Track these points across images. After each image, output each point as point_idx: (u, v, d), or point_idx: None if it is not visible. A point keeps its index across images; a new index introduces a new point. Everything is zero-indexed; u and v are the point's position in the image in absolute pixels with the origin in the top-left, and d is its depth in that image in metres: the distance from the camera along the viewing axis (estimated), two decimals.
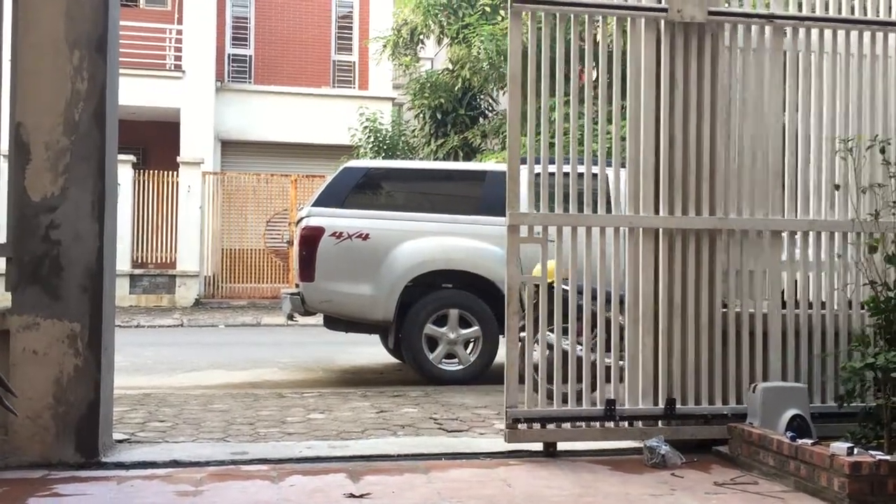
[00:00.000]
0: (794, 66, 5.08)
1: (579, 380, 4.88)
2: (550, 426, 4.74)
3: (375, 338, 8.53)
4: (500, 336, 7.64)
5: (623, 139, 5.00)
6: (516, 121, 4.75)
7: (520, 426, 4.70)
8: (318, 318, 8.23)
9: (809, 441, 4.13)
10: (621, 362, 4.85)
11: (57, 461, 4.36)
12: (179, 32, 18.84)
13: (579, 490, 4.07)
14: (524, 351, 6.61)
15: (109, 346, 4.65)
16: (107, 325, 4.57)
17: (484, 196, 7.91)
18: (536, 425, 4.73)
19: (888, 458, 3.80)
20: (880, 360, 4.27)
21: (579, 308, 6.51)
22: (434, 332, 7.53)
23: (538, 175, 4.83)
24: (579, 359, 4.87)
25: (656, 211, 4.86)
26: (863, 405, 4.62)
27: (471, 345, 7.67)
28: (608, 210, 5.00)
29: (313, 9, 21.00)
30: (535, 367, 6.61)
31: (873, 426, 4.46)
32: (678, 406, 4.81)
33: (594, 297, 4.86)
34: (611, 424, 4.77)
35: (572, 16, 4.87)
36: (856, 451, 3.83)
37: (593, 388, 4.85)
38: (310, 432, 5.33)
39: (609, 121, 4.92)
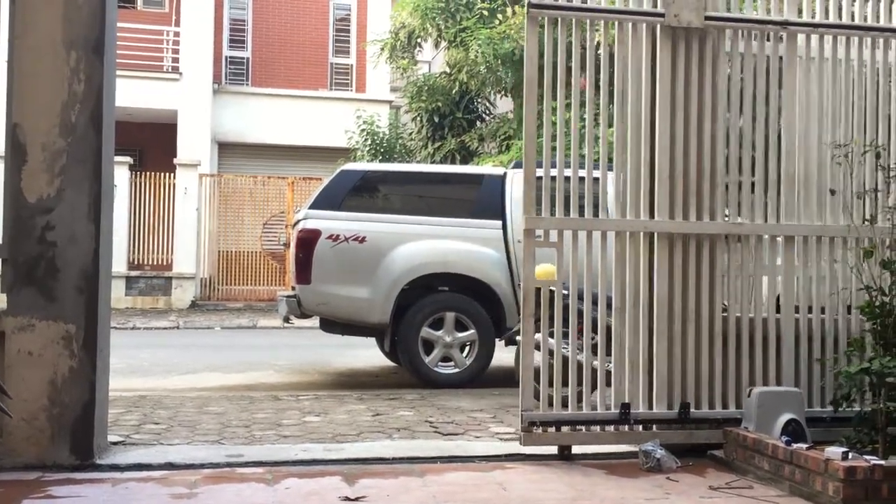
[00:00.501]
0: (791, 71, 5.10)
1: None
2: (565, 429, 4.75)
3: (371, 341, 8.53)
4: (496, 339, 7.66)
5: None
6: (533, 125, 4.76)
7: (535, 429, 4.71)
8: (315, 321, 8.22)
9: (804, 445, 4.13)
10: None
11: (52, 463, 4.35)
12: (177, 34, 18.84)
13: (574, 494, 4.06)
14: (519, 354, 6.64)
15: (105, 347, 4.65)
16: (102, 327, 4.56)
17: (480, 199, 7.92)
18: (551, 428, 4.74)
19: (883, 462, 3.80)
20: (875, 365, 4.28)
21: (576, 310, 6.53)
22: (430, 336, 7.53)
23: (549, 178, 4.83)
24: (584, 362, 4.87)
25: (671, 216, 4.87)
26: (858, 410, 4.63)
27: (467, 348, 7.67)
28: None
29: (311, 11, 21.02)
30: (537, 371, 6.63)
31: (868, 431, 4.47)
32: (692, 410, 4.82)
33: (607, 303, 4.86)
34: (625, 428, 4.78)
35: (589, 21, 4.85)
36: (850, 455, 3.84)
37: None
38: (305, 435, 5.33)
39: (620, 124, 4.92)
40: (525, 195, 4.75)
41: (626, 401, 4.78)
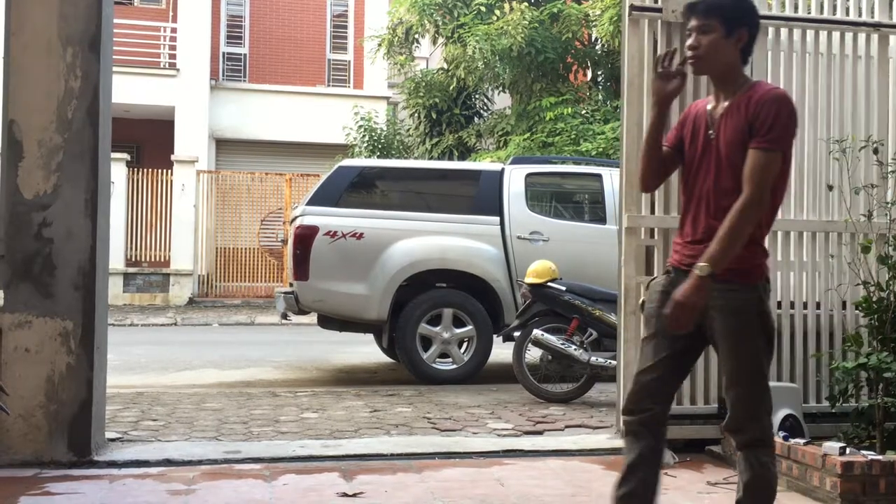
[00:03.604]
0: (787, 67, 5.10)
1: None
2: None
3: (369, 337, 8.53)
4: (494, 335, 7.66)
5: None
6: (634, 125, 4.81)
7: None
8: (313, 318, 8.22)
9: (802, 441, 4.14)
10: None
11: (49, 460, 4.34)
12: (174, 30, 18.80)
13: (572, 490, 4.06)
14: (521, 351, 6.64)
15: (102, 344, 4.64)
16: (99, 324, 4.56)
17: (478, 195, 7.91)
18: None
19: (880, 457, 3.81)
20: (872, 361, 4.28)
21: (573, 306, 6.54)
22: (428, 332, 7.52)
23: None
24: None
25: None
26: (855, 405, 4.63)
27: (465, 344, 7.66)
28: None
29: (308, 7, 20.98)
30: (531, 367, 6.63)
31: (865, 426, 4.47)
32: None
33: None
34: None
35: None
36: (848, 450, 3.84)
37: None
38: (303, 431, 5.33)
39: None
40: (626, 194, 4.79)
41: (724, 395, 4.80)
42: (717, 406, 4.81)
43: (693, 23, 2.82)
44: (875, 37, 5.17)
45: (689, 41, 2.83)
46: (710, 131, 2.83)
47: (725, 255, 2.68)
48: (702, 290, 2.67)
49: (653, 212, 4.83)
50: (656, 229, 4.84)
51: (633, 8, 4.82)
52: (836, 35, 5.14)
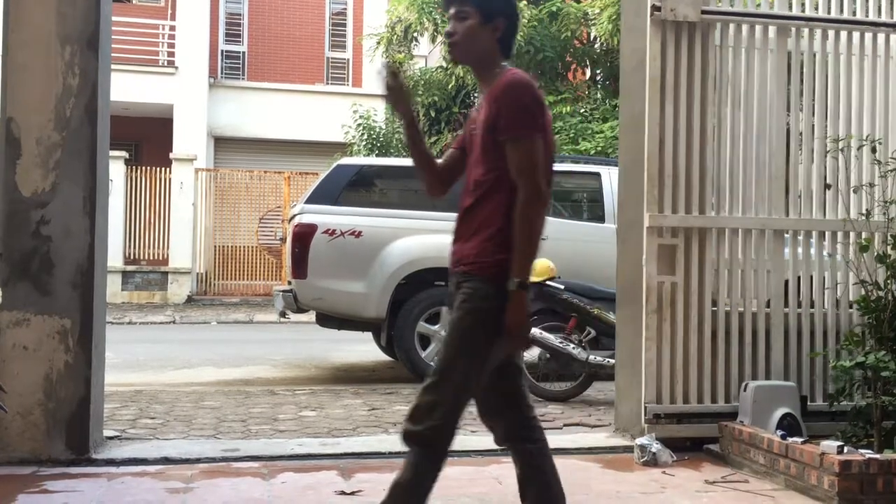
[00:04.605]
0: (788, 66, 5.10)
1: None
2: (685, 422, 4.84)
3: (368, 335, 8.53)
4: None
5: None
6: (656, 124, 4.84)
7: (658, 422, 4.79)
8: (311, 316, 8.22)
9: (799, 439, 4.14)
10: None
11: (47, 458, 4.34)
12: (172, 28, 18.80)
13: (569, 488, 4.03)
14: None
15: (100, 342, 4.64)
16: (98, 322, 4.55)
17: None
18: (673, 421, 4.83)
19: (878, 456, 3.81)
20: (870, 360, 4.29)
21: (572, 305, 6.54)
22: (426, 330, 7.52)
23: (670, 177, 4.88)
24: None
25: (786, 213, 5.02)
26: (853, 404, 4.64)
27: None
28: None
29: (307, 5, 20.97)
30: (529, 365, 6.63)
31: (863, 425, 4.48)
32: (808, 403, 4.88)
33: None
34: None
35: (720, 24, 4.97)
36: (846, 449, 3.84)
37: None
38: (301, 430, 5.33)
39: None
40: (647, 193, 4.80)
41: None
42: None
43: (451, 10, 2.79)
44: (895, 37, 5.20)
45: (447, 28, 2.80)
46: (474, 126, 2.82)
47: (527, 259, 2.60)
48: (520, 304, 2.59)
49: (675, 211, 4.84)
50: (677, 228, 4.85)
51: (654, 8, 4.85)
52: (856, 35, 5.15)
